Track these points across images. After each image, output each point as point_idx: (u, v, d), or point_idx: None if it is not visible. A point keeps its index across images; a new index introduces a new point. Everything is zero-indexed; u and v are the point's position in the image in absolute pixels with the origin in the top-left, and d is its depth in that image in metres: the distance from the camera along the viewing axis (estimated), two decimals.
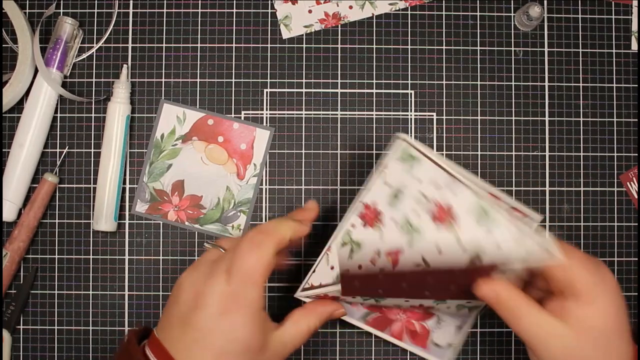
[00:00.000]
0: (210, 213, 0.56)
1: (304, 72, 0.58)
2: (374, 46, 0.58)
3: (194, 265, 0.47)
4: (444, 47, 0.58)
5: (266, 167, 0.57)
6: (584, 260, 0.45)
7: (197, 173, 0.57)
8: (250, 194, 0.56)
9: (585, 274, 0.44)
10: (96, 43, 0.58)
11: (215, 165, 0.57)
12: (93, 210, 0.56)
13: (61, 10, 0.58)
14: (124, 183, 0.57)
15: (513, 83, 0.58)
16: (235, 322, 0.43)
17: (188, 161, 0.57)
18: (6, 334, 0.55)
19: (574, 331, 0.44)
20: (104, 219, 0.55)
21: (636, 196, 0.58)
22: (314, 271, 0.51)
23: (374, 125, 0.57)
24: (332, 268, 0.50)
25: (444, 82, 0.58)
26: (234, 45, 0.58)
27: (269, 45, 0.58)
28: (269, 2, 0.58)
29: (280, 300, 0.57)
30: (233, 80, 0.58)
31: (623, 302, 0.45)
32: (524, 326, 0.44)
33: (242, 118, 0.57)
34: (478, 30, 0.58)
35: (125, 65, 0.56)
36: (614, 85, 0.58)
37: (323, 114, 0.58)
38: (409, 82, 0.58)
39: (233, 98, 0.57)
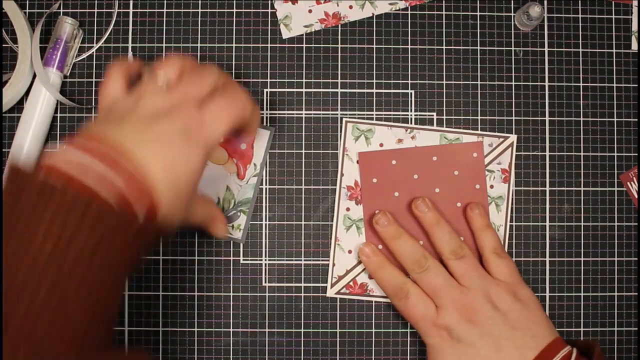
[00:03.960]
0: None
1: (304, 72, 0.58)
2: (374, 46, 0.58)
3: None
4: (444, 47, 0.58)
5: (266, 167, 0.57)
6: (425, 314, 0.52)
7: None
8: (250, 193, 0.56)
9: (424, 330, 0.52)
10: (96, 43, 0.58)
11: (215, 165, 0.57)
12: None
13: (61, 10, 0.58)
14: None
15: (513, 83, 0.58)
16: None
17: None
18: None
19: None
20: None
21: (636, 196, 0.58)
22: (334, 264, 0.56)
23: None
24: (349, 252, 0.56)
25: (444, 82, 0.58)
26: (234, 45, 0.58)
27: (269, 45, 0.58)
28: (269, 2, 0.58)
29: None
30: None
31: (465, 349, 0.50)
32: None
33: None
34: (478, 30, 0.58)
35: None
36: (614, 85, 0.58)
37: (323, 114, 0.58)
38: (409, 82, 0.58)
39: None
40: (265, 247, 0.57)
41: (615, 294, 0.57)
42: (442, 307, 0.51)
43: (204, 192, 0.57)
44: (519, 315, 0.50)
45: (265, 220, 0.57)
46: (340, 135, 0.57)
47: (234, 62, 0.58)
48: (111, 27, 0.58)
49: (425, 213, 0.54)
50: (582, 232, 0.57)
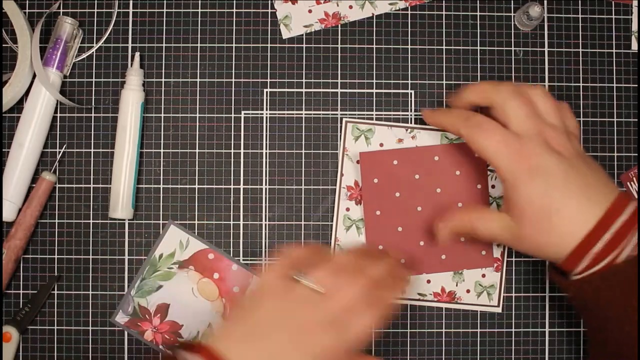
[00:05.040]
0: None
1: (304, 72, 0.58)
2: (374, 46, 0.58)
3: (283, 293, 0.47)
4: (444, 47, 0.58)
5: (266, 167, 0.57)
6: (504, 142, 0.47)
7: (185, 302, 0.56)
8: None
9: (505, 156, 0.47)
10: (96, 43, 0.58)
11: (204, 299, 0.56)
12: (110, 197, 0.56)
13: (61, 10, 0.58)
14: (139, 174, 0.56)
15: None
16: None
17: (179, 288, 0.56)
18: (15, 333, 0.55)
19: (515, 217, 0.47)
20: (120, 206, 0.55)
21: (636, 196, 0.58)
22: None
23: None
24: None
25: (444, 82, 0.58)
26: (234, 45, 0.58)
27: (269, 45, 0.58)
28: (269, 2, 0.58)
29: None
30: (233, 80, 0.58)
31: (557, 177, 0.46)
32: (483, 236, 0.50)
33: (242, 118, 0.57)
34: (478, 30, 0.58)
35: (137, 53, 0.56)
36: (614, 85, 0.58)
37: (323, 114, 0.58)
38: (409, 82, 0.58)
39: (233, 98, 0.57)
40: (265, 247, 0.57)
41: None
42: (523, 136, 0.47)
43: (186, 321, 0.56)
44: (592, 160, 0.49)
45: (265, 220, 0.57)
46: (340, 135, 0.57)
47: (234, 62, 0.58)
48: (111, 27, 0.58)
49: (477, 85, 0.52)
50: None
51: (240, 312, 0.46)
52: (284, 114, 0.57)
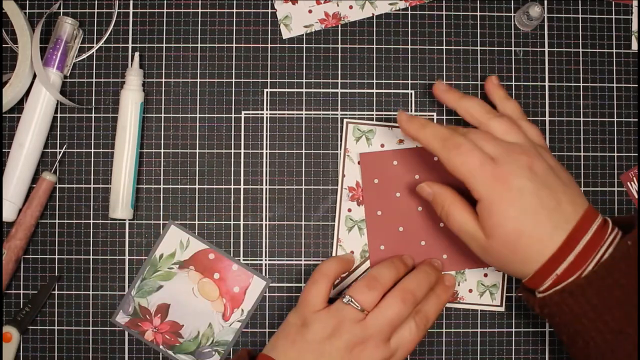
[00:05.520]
0: (187, 344, 0.56)
1: (304, 72, 0.58)
2: (374, 46, 0.58)
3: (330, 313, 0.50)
4: (444, 47, 0.58)
5: (266, 167, 0.57)
6: (480, 165, 0.47)
7: (185, 302, 0.56)
8: (230, 337, 0.56)
9: (481, 179, 0.47)
10: (96, 43, 0.58)
11: (204, 299, 0.56)
12: (110, 197, 0.56)
13: (61, 10, 0.58)
14: (139, 174, 0.56)
15: (513, 83, 0.58)
16: None
17: (179, 288, 0.56)
18: (15, 333, 0.55)
19: (485, 233, 0.47)
20: (120, 207, 0.54)
21: (636, 196, 0.58)
22: None
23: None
24: (351, 253, 0.57)
25: (444, 82, 0.58)
26: (234, 45, 0.58)
27: (269, 45, 0.58)
28: (269, 2, 0.58)
29: None
30: (233, 80, 0.58)
31: (530, 198, 0.46)
32: (452, 224, 0.50)
33: (242, 118, 0.57)
34: (478, 30, 0.58)
35: (137, 53, 0.56)
36: (614, 85, 0.58)
37: (323, 114, 0.58)
38: (409, 82, 0.58)
39: (233, 98, 0.57)
40: (265, 247, 0.57)
41: None
42: (498, 159, 0.47)
43: (187, 321, 0.56)
44: (564, 173, 0.49)
45: (265, 220, 0.57)
46: (341, 136, 0.57)
47: (234, 62, 0.58)
48: (111, 27, 0.58)
49: (446, 92, 0.53)
50: None
51: (292, 329, 0.50)
52: (284, 114, 0.57)
